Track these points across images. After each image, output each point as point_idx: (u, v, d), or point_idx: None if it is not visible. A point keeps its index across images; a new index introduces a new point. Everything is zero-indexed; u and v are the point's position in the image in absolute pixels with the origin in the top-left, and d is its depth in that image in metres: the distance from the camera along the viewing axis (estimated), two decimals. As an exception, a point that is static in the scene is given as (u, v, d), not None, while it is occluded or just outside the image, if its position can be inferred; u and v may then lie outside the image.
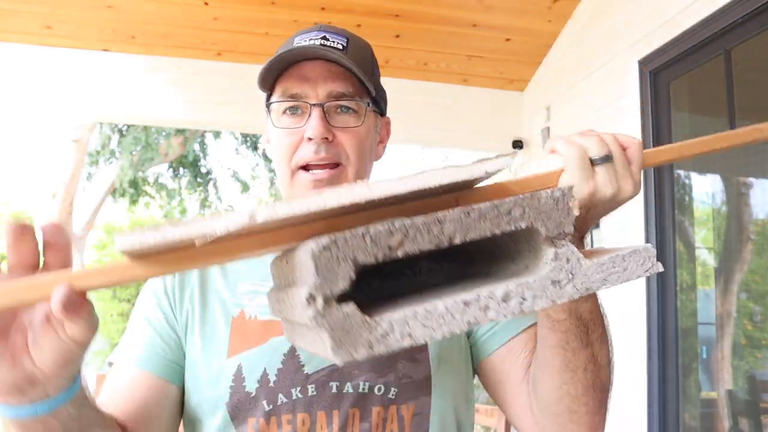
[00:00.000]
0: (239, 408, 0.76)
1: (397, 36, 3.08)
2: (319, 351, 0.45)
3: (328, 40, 0.82)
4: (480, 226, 0.47)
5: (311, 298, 0.43)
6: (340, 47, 0.82)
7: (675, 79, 2.36)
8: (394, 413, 0.77)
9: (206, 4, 2.80)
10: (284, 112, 0.83)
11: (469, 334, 0.84)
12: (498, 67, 3.38)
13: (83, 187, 7.94)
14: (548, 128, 3.24)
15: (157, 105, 3.21)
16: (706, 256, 2.51)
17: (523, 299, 0.47)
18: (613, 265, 0.50)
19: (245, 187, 9.29)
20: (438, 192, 0.49)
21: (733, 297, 2.29)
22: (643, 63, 2.43)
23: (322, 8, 2.88)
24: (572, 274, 0.49)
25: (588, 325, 0.67)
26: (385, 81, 0.93)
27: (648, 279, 2.35)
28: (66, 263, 0.48)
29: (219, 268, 0.87)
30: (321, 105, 0.80)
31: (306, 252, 0.44)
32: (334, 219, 0.50)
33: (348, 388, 0.76)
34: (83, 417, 0.57)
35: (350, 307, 0.44)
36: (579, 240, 0.64)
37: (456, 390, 0.81)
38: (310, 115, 0.80)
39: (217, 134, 8.71)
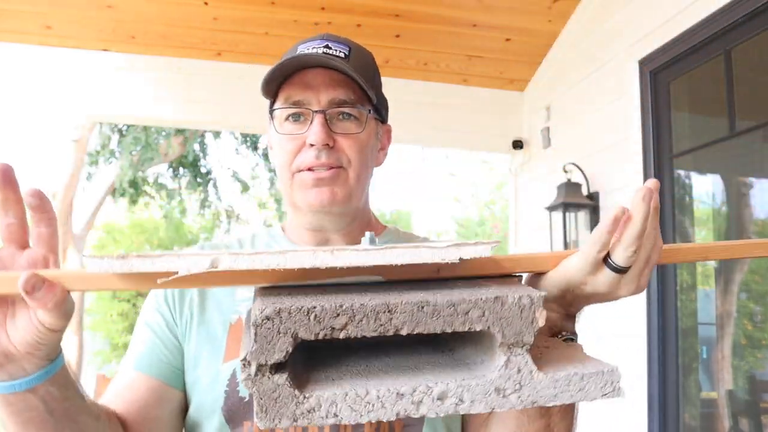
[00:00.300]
0: (234, 412, 0.77)
1: (397, 36, 3.08)
2: (255, 418, 0.45)
3: (330, 48, 0.83)
4: (431, 322, 0.46)
5: (246, 363, 0.44)
6: (343, 55, 0.83)
7: (675, 79, 2.36)
8: (386, 424, 0.77)
9: (206, 4, 2.80)
10: (287, 118, 0.84)
11: None
12: (498, 67, 3.38)
13: (83, 187, 7.94)
14: (548, 128, 3.24)
15: (157, 105, 3.21)
16: (706, 256, 2.51)
17: (460, 401, 0.46)
18: (569, 384, 0.48)
19: (245, 187, 9.29)
20: (421, 267, 0.49)
21: (733, 297, 2.29)
22: (643, 63, 2.43)
23: (322, 8, 2.88)
24: (520, 384, 0.47)
25: None
26: (385, 81, 0.93)
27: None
28: (52, 239, 0.54)
29: None
30: (323, 112, 0.81)
31: (250, 317, 0.44)
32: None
33: None
34: (67, 400, 0.59)
35: (281, 379, 0.44)
36: (568, 318, 0.62)
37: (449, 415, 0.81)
38: (312, 122, 0.81)
39: (217, 134, 8.70)
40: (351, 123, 0.83)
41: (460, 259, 0.47)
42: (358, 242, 0.59)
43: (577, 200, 2.75)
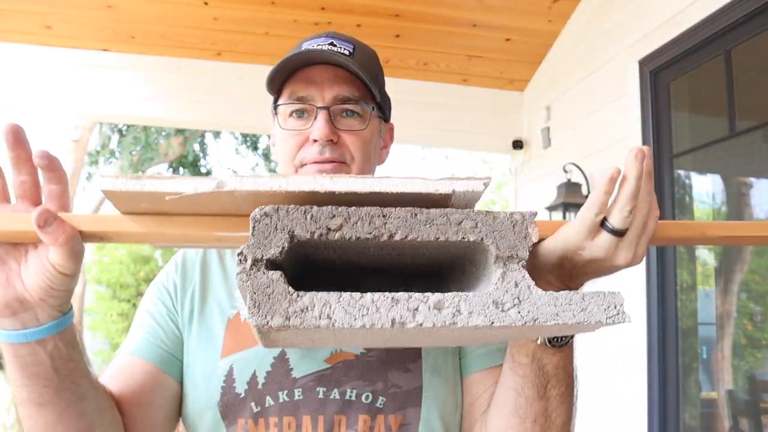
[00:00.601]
0: (229, 408, 0.77)
1: (397, 36, 3.09)
2: (246, 314, 0.45)
3: (335, 45, 0.84)
4: (425, 229, 0.47)
5: (242, 257, 0.45)
6: (347, 53, 0.83)
7: (675, 79, 2.36)
8: (381, 423, 0.76)
9: (206, 4, 2.80)
10: (291, 114, 0.85)
11: (461, 348, 0.84)
12: (498, 67, 3.39)
13: (83, 187, 7.94)
14: (548, 128, 3.24)
15: (158, 105, 3.21)
16: (706, 256, 2.51)
17: (458, 311, 0.46)
18: (570, 302, 0.47)
19: (245, 187, 9.30)
20: (416, 203, 0.49)
21: (733, 297, 2.29)
22: (643, 63, 2.44)
23: (322, 8, 2.88)
24: (519, 299, 0.47)
25: (549, 378, 0.66)
26: (385, 81, 0.94)
27: (648, 279, 2.35)
28: (62, 196, 0.55)
29: (220, 270, 0.87)
30: (327, 108, 0.82)
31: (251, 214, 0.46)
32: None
33: (335, 394, 0.76)
34: (73, 361, 0.60)
35: (276, 275, 0.45)
36: None
37: (447, 402, 0.80)
38: (315, 118, 0.82)
39: (217, 134, 8.70)
40: (354, 120, 0.84)
41: (454, 191, 0.48)
42: None
43: (577, 200, 2.75)
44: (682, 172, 2.45)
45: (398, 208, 0.47)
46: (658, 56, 2.35)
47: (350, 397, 0.76)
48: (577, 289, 0.62)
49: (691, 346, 2.34)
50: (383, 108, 0.90)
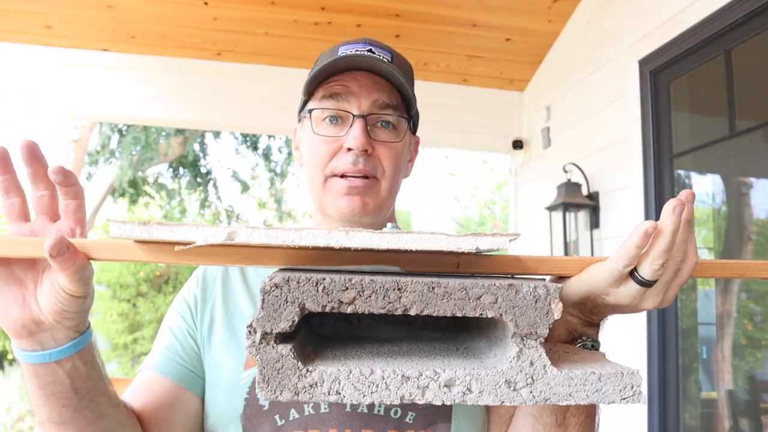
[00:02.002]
0: (252, 421, 0.75)
1: (397, 36, 3.08)
2: (256, 388, 0.45)
3: (374, 53, 0.82)
4: (441, 304, 0.45)
5: (252, 330, 0.44)
6: (386, 61, 0.81)
7: (675, 79, 2.36)
8: None
9: (206, 4, 2.80)
10: (324, 119, 0.82)
11: None
12: (498, 67, 3.38)
13: (83, 187, 7.92)
14: (548, 128, 3.24)
15: (157, 105, 3.21)
16: (706, 256, 2.51)
17: (468, 390, 0.45)
18: (585, 383, 0.46)
19: (245, 187, 9.28)
20: (435, 251, 0.47)
21: (733, 297, 2.29)
22: (643, 63, 2.43)
23: (322, 8, 2.88)
24: (533, 379, 0.46)
25: (569, 407, 0.64)
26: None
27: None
28: (78, 210, 0.57)
29: (242, 283, 0.86)
30: (364, 117, 0.80)
31: (260, 284, 0.45)
32: (320, 252, 0.50)
33: (362, 407, 0.74)
34: (92, 380, 0.61)
35: (286, 349, 0.44)
36: (590, 326, 0.61)
37: (477, 418, 0.79)
38: (351, 126, 0.80)
39: (217, 134, 8.69)
40: (389, 132, 0.82)
41: (477, 249, 0.46)
42: None
43: (577, 200, 2.75)
44: (682, 172, 2.45)
45: (415, 281, 0.45)
46: (658, 56, 2.35)
47: (378, 411, 0.74)
48: (599, 321, 0.61)
49: (691, 346, 2.34)
50: (415, 120, 0.88)
